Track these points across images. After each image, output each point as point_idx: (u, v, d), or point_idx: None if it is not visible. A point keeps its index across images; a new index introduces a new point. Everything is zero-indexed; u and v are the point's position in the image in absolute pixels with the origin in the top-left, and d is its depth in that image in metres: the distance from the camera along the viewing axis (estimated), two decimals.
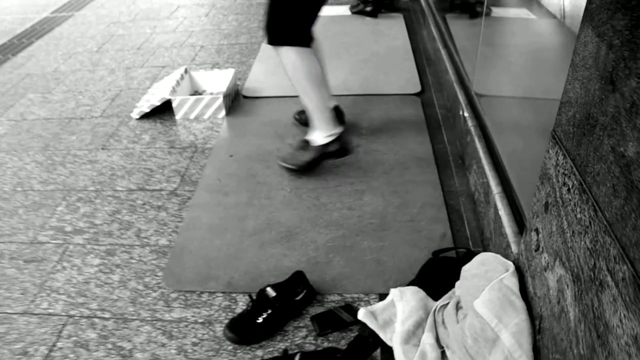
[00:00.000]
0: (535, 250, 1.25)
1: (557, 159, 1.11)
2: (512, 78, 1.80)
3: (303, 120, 2.54)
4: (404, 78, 2.98)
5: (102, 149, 2.52)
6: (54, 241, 1.97)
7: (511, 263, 1.37)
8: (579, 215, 0.98)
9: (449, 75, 2.56)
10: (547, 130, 1.24)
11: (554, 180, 1.12)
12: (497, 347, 1.25)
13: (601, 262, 0.88)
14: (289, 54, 1.98)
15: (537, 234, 1.24)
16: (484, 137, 1.94)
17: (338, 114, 2.37)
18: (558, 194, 1.10)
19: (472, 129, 2.01)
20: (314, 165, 2.18)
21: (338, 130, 2.16)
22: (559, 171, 1.10)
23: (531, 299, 1.28)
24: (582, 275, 0.97)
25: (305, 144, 2.18)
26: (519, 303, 1.28)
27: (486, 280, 1.36)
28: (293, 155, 2.20)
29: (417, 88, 2.86)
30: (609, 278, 0.86)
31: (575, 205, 1.00)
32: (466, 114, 2.12)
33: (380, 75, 3.02)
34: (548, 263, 1.16)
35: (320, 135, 2.14)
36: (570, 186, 1.03)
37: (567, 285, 1.04)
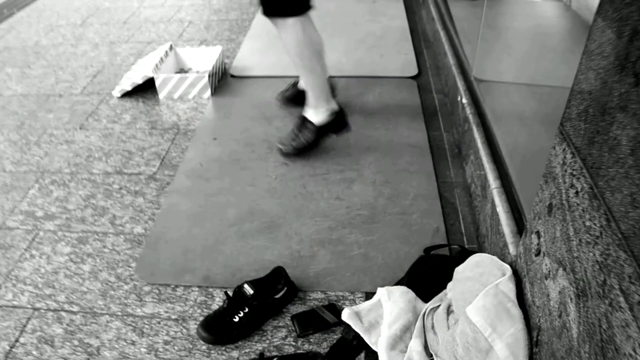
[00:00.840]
0: (536, 255, 1.14)
1: (565, 157, 0.99)
2: (515, 63, 1.67)
3: (288, 96, 2.41)
4: (400, 60, 2.84)
5: (80, 128, 2.39)
6: (24, 227, 1.85)
7: (508, 267, 1.27)
8: (587, 223, 0.87)
9: (448, 58, 2.43)
10: (553, 122, 1.13)
11: (560, 180, 1.01)
12: (491, 358, 1.15)
13: (613, 279, 0.78)
14: (291, 26, 1.83)
15: (538, 238, 1.13)
16: (483, 126, 1.82)
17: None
18: (564, 196, 0.99)
19: (470, 116, 1.89)
20: (314, 145, 2.08)
21: (335, 106, 2.06)
22: (566, 171, 0.98)
23: (529, 307, 1.18)
24: (588, 291, 0.86)
25: (303, 124, 2.07)
26: (516, 311, 1.18)
27: (481, 285, 1.25)
28: (292, 138, 2.09)
29: (414, 71, 2.73)
30: (621, 299, 0.75)
31: (584, 211, 0.89)
32: (464, 100, 2.00)
33: (376, 57, 2.89)
34: (550, 271, 1.05)
35: (320, 112, 2.03)
36: (579, 189, 0.91)
37: (571, 299, 0.93)
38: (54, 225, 1.84)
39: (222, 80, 2.72)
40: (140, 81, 2.54)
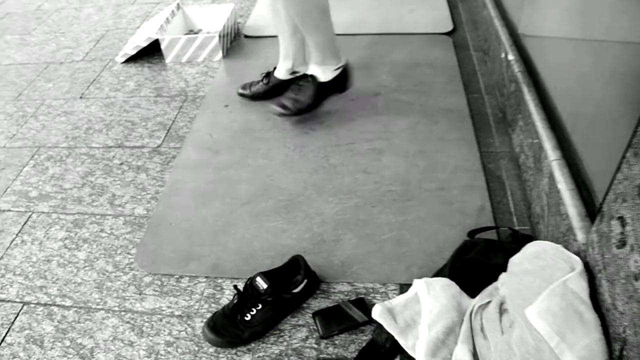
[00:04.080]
0: (618, 247, 0.90)
1: None
2: (576, 16, 1.38)
3: (256, 94, 2.05)
4: (432, 15, 2.54)
5: (81, 97, 2.18)
6: (16, 209, 1.67)
7: (578, 259, 1.03)
8: None
9: (488, 10, 2.14)
10: (627, 81, 0.87)
11: None
12: None
13: None
14: None
15: (623, 225, 0.89)
16: (535, 87, 1.55)
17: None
18: None
19: (519, 75, 1.62)
20: (315, 106, 1.85)
21: (343, 62, 1.83)
22: None
23: (607, 311, 0.94)
24: None
25: (305, 81, 1.84)
26: (591, 316, 0.95)
27: (543, 281, 1.02)
28: (292, 97, 1.84)
29: (449, 26, 2.43)
30: None
31: None
32: (511, 57, 1.72)
33: (404, 12, 2.59)
34: None
35: (327, 69, 1.80)
36: None
37: None
38: (49, 207, 1.66)
39: (234, 41, 2.47)
40: (144, 44, 2.31)
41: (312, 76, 1.82)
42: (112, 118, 2.03)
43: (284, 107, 1.83)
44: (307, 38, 1.75)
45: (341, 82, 1.86)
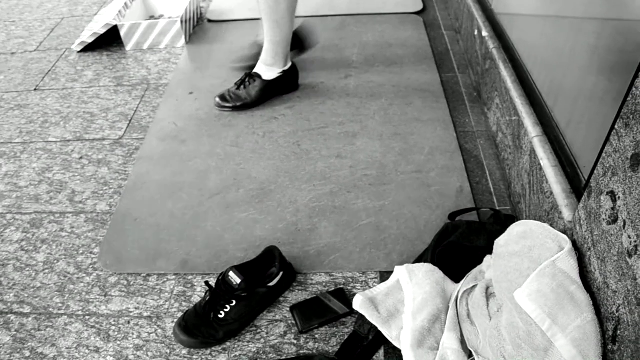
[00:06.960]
0: (609, 223, 0.86)
1: None
2: None
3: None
4: None
5: (35, 90, 2.06)
6: None
7: (566, 238, 0.98)
8: None
9: None
10: (621, 54, 0.82)
11: None
12: (551, 358, 0.88)
13: None
14: None
15: (614, 200, 0.84)
16: (512, 62, 1.50)
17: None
18: None
19: (495, 51, 1.57)
20: (256, 104, 1.84)
21: (289, 65, 1.85)
22: None
23: (598, 290, 0.90)
24: None
25: (251, 78, 1.83)
26: (582, 296, 0.90)
27: (531, 262, 0.97)
28: (234, 92, 1.84)
29: (419, 6, 2.38)
30: None
31: None
32: (485, 34, 1.67)
33: None
34: (637, 246, 0.77)
35: (275, 70, 1.82)
36: None
37: None
38: (2, 207, 1.54)
39: (197, 26, 2.37)
40: (102, 31, 2.18)
41: (257, 74, 1.82)
42: (69, 110, 1.92)
43: (223, 99, 1.83)
44: (265, 33, 1.72)
45: (288, 81, 1.86)
